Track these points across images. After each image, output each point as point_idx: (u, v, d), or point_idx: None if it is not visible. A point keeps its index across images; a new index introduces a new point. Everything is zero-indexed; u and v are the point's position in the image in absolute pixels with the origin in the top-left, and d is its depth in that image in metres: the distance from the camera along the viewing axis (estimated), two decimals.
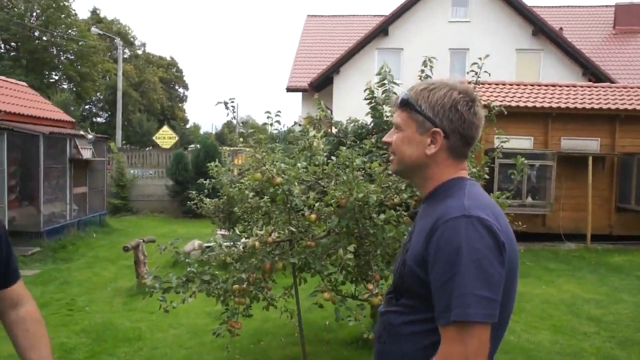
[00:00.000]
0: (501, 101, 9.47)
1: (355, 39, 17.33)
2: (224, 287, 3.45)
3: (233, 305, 3.57)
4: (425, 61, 4.41)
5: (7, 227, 1.33)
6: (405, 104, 1.33)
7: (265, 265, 3.41)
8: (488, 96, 9.66)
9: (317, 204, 3.61)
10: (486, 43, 15.14)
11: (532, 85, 10.57)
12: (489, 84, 10.37)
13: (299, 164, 3.98)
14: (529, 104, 9.59)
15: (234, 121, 4.00)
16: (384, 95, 4.69)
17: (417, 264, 1.24)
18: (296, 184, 3.61)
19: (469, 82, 4.15)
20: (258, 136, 3.63)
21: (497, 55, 15.43)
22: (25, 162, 9.27)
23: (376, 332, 1.42)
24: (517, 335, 4.63)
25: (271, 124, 4.21)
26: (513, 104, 9.49)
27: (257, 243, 3.39)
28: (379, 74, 4.67)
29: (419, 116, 1.31)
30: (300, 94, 18.28)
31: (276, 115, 4.12)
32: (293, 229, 3.56)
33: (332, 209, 3.48)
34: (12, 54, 30.90)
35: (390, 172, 1.41)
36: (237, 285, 3.48)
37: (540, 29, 15.57)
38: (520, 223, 3.98)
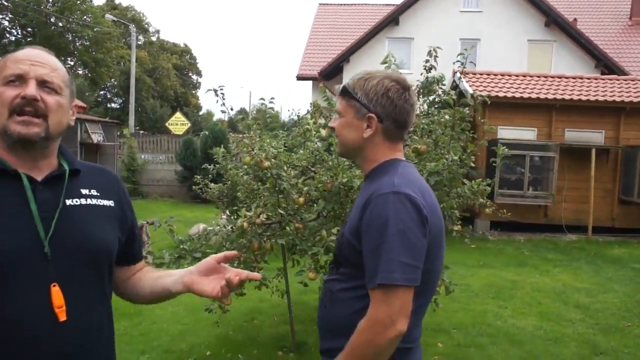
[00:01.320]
0: (506, 92, 9.51)
1: (366, 27, 17.33)
2: None
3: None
4: (430, 51, 4.46)
5: None
6: (344, 92, 1.47)
7: (254, 245, 3.58)
8: (493, 87, 9.69)
9: (305, 188, 3.76)
10: (497, 33, 15.08)
11: (538, 77, 10.55)
12: (495, 75, 10.38)
13: (301, 151, 4.13)
14: (533, 95, 9.60)
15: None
16: None
17: (352, 234, 1.38)
18: (285, 168, 3.76)
19: (468, 73, 4.24)
20: (246, 122, 3.77)
21: (509, 46, 15.37)
22: None
23: (320, 299, 1.56)
24: (503, 321, 4.76)
25: (266, 110, 4.37)
26: (517, 95, 9.51)
27: (245, 224, 3.56)
28: (384, 62, 4.69)
29: (356, 103, 1.45)
30: (310, 82, 18.36)
31: (270, 102, 4.28)
32: (282, 212, 3.72)
33: (320, 192, 3.64)
34: (28, 39, 31.34)
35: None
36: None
37: (553, 20, 15.42)
38: (505, 211, 4.11)
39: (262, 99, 4.26)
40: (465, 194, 3.76)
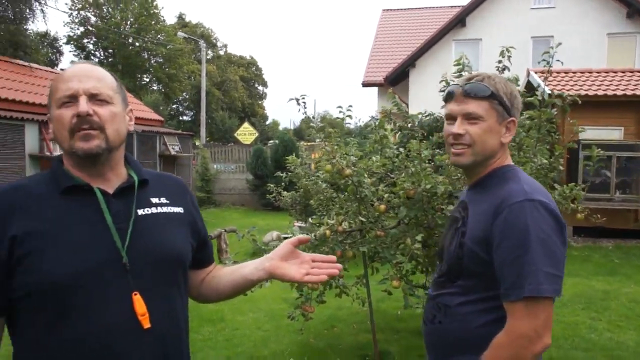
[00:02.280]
0: (587, 89, 8.98)
1: (430, 31, 17.05)
2: None
3: (307, 291, 3.77)
4: (502, 51, 4.31)
5: None
6: (490, 96, 1.38)
7: (336, 253, 3.57)
8: (572, 85, 9.19)
9: (386, 195, 3.72)
10: (572, 29, 14.33)
11: (623, 72, 9.89)
12: (573, 72, 9.84)
13: (373, 158, 4.10)
14: (619, 92, 8.99)
15: (311, 117, 4.19)
16: None
17: (478, 245, 1.32)
18: (366, 175, 3.73)
19: (543, 72, 4.04)
20: (327, 130, 3.78)
21: (586, 41, 14.55)
22: None
23: (427, 314, 1.50)
24: (598, 334, 4.46)
25: (343, 118, 4.37)
26: (600, 92, 8.95)
27: (327, 231, 3.56)
28: (457, 64, 4.55)
29: (500, 107, 1.38)
30: (376, 88, 18.29)
31: (348, 110, 4.27)
32: (363, 219, 3.69)
33: (401, 199, 3.58)
34: (109, 59, 33.50)
35: (455, 164, 1.47)
36: None
37: (637, 10, 14.43)
38: (598, 216, 3.84)
39: (339, 106, 4.25)
40: (555, 199, 3.57)
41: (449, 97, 1.45)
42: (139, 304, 1.11)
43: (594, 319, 4.83)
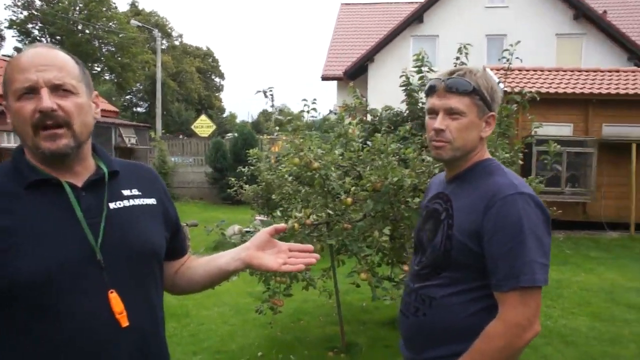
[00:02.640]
0: (539, 87, 9.33)
1: (389, 26, 17.24)
2: None
3: (274, 284, 3.76)
4: (460, 48, 4.43)
5: None
6: (472, 91, 1.38)
7: None
8: (525, 82, 9.52)
9: (352, 188, 3.75)
10: (524, 28, 14.81)
11: (572, 71, 10.34)
12: (527, 70, 10.20)
13: (336, 151, 4.11)
14: (568, 90, 9.40)
15: (271, 110, 4.16)
16: (420, 82, 4.68)
17: (468, 237, 1.34)
18: (333, 168, 3.75)
19: (501, 69, 4.18)
20: (295, 123, 3.77)
21: (536, 40, 15.07)
22: None
23: (408, 307, 1.49)
24: (554, 321, 4.67)
25: (307, 112, 4.37)
26: (551, 90, 9.33)
27: (296, 225, 3.56)
28: (416, 59, 4.64)
29: (481, 102, 1.39)
30: (335, 82, 18.36)
31: (312, 103, 4.28)
32: (330, 212, 3.71)
33: (368, 193, 3.62)
34: (57, 46, 32.09)
35: (435, 158, 1.48)
36: None
37: (582, 13, 15.09)
38: (555, 208, 4.02)
39: (304, 99, 4.25)
40: None
41: (430, 91, 1.45)
42: (116, 301, 1.07)
43: (548, 307, 5.04)
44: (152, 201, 1.24)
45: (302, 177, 4.16)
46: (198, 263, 1.37)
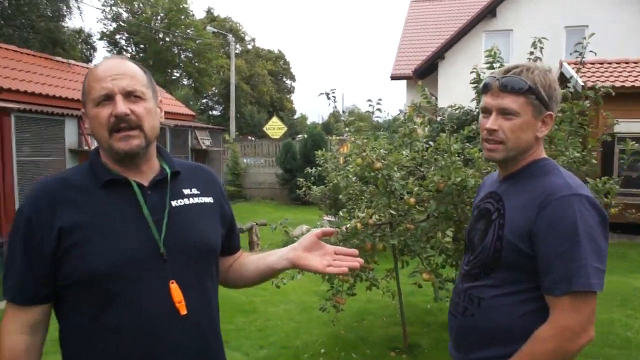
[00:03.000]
0: (623, 81, 8.74)
1: (460, 22, 16.80)
2: None
3: (338, 283, 3.83)
4: (534, 42, 4.23)
5: None
6: (527, 90, 1.35)
7: (367, 245, 3.62)
8: (607, 76, 8.95)
9: (416, 189, 3.74)
10: (608, 17, 13.87)
11: None
12: (609, 63, 9.58)
13: (403, 152, 4.10)
14: None
15: (341, 111, 4.23)
16: None
17: (519, 237, 1.32)
18: (395, 169, 3.76)
19: (578, 63, 3.97)
20: (357, 124, 3.82)
21: (624, 30, 14.09)
22: None
23: (457, 307, 1.49)
24: (635, 332, 4.38)
25: (372, 112, 4.39)
26: (637, 83, 8.69)
27: (358, 224, 3.61)
28: (488, 55, 4.44)
29: (537, 101, 1.36)
30: (404, 81, 18.15)
31: (377, 104, 4.30)
32: (393, 212, 3.73)
33: (431, 193, 3.60)
34: (141, 55, 34.17)
35: (488, 159, 1.46)
36: None
37: None
38: (633, 211, 3.80)
39: (369, 100, 4.28)
40: None
41: (485, 90, 1.42)
42: (176, 292, 1.17)
43: (629, 317, 4.74)
44: (209, 200, 1.34)
45: (366, 178, 4.19)
46: (249, 260, 1.46)
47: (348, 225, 3.77)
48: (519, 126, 1.36)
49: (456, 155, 3.45)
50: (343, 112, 4.27)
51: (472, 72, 4.69)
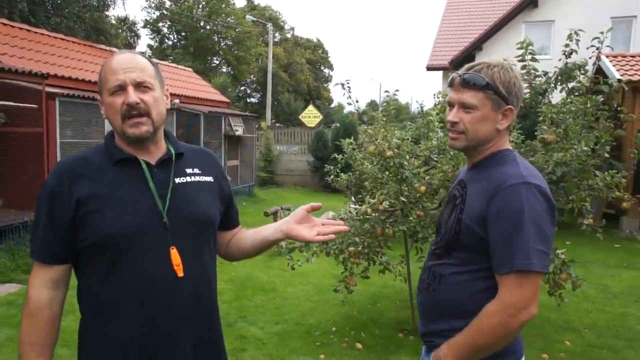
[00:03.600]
0: None
1: (500, 13, 16.47)
2: (339, 248, 3.90)
3: (350, 266, 4.01)
4: (570, 34, 4.20)
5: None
6: (485, 86, 1.46)
7: (377, 231, 3.78)
8: None
9: (427, 177, 3.86)
10: None
11: None
12: None
13: (432, 142, 4.19)
14: None
15: (348, 101, 4.38)
16: (523, 72, 4.46)
17: (475, 222, 1.45)
18: (408, 157, 3.89)
19: (618, 55, 3.94)
20: (370, 114, 3.96)
21: None
22: (188, 137, 10.79)
23: (422, 282, 1.63)
24: None
25: (389, 102, 4.53)
26: None
27: (369, 209, 3.78)
28: (521, 47, 4.35)
29: (495, 96, 1.47)
30: (440, 72, 17.96)
31: (394, 95, 4.44)
32: (404, 199, 3.87)
33: (441, 182, 3.72)
34: (182, 42, 34.97)
35: (451, 147, 1.59)
36: (352, 248, 3.90)
37: None
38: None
39: (387, 91, 4.43)
40: (597, 187, 3.56)
41: (449, 85, 1.55)
42: (175, 256, 1.34)
43: None
44: (209, 179, 1.52)
45: (383, 165, 4.32)
46: (247, 234, 1.64)
47: (360, 210, 3.93)
48: (478, 119, 1.48)
49: None
50: (354, 101, 4.41)
51: None
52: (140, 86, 1.35)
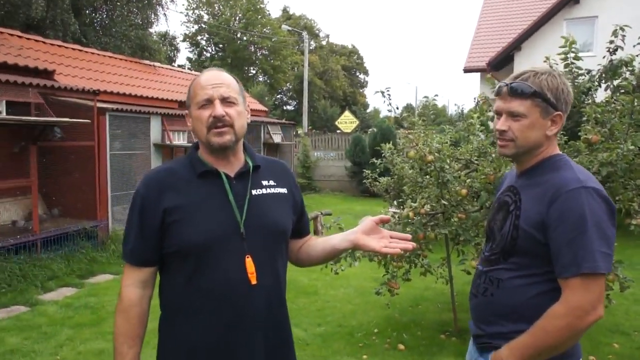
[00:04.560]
0: None
1: (538, 12, 16.13)
2: None
3: (392, 269, 4.06)
4: (615, 30, 4.12)
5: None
6: (533, 94, 1.49)
7: (419, 235, 3.82)
8: None
9: (468, 180, 3.88)
10: None
11: None
12: None
13: (471, 145, 4.20)
14: None
15: (389, 108, 4.44)
16: (566, 70, 4.34)
17: (533, 227, 1.48)
18: (448, 161, 3.92)
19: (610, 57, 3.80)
20: (410, 119, 4.01)
21: None
22: None
23: (478, 287, 1.66)
24: None
25: (427, 106, 4.56)
26: None
27: (410, 213, 3.83)
28: (563, 45, 4.19)
29: (544, 103, 1.51)
30: (478, 74, 17.73)
31: (433, 99, 4.47)
32: (445, 203, 3.90)
33: (482, 185, 3.73)
34: (220, 54, 35.79)
35: (500, 155, 1.64)
36: None
37: None
38: None
39: (425, 96, 4.47)
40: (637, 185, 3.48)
41: (496, 94, 1.59)
42: (250, 264, 1.43)
43: None
44: (284, 190, 1.61)
45: (424, 170, 4.35)
46: (317, 242, 1.72)
47: (402, 214, 3.98)
48: (527, 126, 1.52)
49: None
50: (393, 107, 4.47)
51: (544, 62, 4.54)
52: (225, 101, 1.47)
